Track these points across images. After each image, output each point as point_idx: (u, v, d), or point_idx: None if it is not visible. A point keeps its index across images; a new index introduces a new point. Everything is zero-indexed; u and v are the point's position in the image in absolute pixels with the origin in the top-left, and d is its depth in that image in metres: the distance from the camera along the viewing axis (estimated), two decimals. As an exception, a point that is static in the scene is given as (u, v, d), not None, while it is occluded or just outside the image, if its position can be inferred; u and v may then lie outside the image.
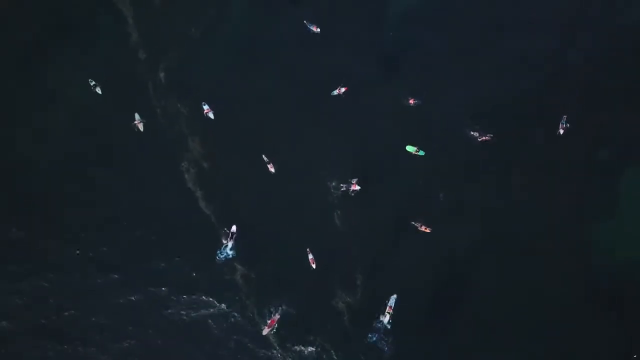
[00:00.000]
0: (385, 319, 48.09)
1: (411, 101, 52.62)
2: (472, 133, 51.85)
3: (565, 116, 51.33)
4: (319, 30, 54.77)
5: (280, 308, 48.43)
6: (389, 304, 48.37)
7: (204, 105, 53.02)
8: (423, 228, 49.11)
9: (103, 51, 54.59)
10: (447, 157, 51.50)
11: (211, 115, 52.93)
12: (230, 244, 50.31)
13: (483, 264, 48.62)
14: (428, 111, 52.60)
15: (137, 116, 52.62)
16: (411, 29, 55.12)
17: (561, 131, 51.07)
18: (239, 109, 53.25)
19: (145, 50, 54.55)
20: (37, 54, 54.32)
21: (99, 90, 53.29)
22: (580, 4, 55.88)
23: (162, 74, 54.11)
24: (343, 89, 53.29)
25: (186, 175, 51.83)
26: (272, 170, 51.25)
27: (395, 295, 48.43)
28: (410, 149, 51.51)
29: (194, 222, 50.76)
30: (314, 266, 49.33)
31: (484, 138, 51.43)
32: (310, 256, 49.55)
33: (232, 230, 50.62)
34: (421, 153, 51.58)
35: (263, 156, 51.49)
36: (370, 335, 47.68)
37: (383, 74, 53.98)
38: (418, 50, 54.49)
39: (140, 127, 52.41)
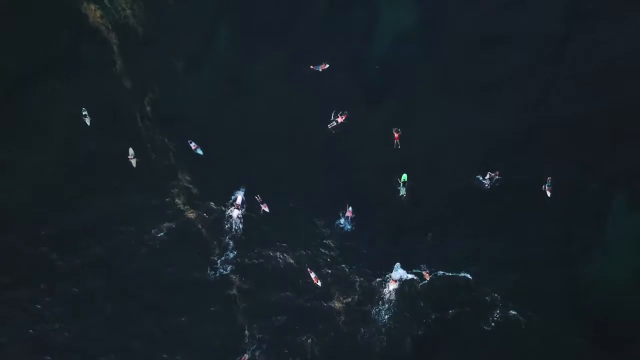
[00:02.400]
0: (391, 286, 51.46)
1: (396, 135, 53.82)
2: (478, 177, 53.23)
3: (549, 178, 52.50)
4: (327, 66, 55.15)
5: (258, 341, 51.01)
6: (392, 277, 51.53)
7: (191, 142, 54.17)
8: (425, 274, 52.00)
9: (89, 81, 54.40)
10: (437, 195, 53.88)
11: (200, 152, 54.13)
12: (236, 213, 52.50)
13: (478, 294, 52.14)
14: (417, 147, 54.48)
15: (131, 151, 53.35)
16: (398, 62, 56.08)
17: (548, 193, 52.20)
18: (228, 144, 54.47)
19: (131, 80, 54.66)
20: (21, 85, 54.01)
21: (87, 122, 53.58)
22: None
23: (148, 107, 54.64)
24: (342, 117, 54.39)
25: (177, 199, 53.69)
26: (266, 209, 53.35)
27: (398, 264, 51.66)
28: (404, 178, 53.14)
29: (186, 244, 53.04)
30: (318, 284, 52.14)
31: (492, 175, 52.86)
32: (313, 275, 52.25)
33: (237, 202, 52.72)
34: (402, 191, 53.33)
35: (256, 197, 53.38)
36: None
37: (372, 108, 55.45)
38: (406, 84, 55.63)
39: (134, 162, 53.30)
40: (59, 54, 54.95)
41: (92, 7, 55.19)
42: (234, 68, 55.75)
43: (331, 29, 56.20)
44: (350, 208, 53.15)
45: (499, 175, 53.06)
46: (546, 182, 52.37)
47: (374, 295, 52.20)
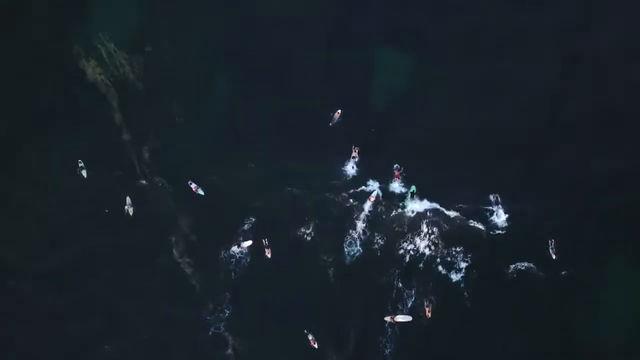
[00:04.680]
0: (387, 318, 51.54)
1: (397, 174, 54.02)
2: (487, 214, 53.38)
3: (552, 240, 52.48)
4: (340, 111, 55.11)
5: None
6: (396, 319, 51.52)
7: (191, 184, 54.29)
8: (427, 310, 51.65)
9: (87, 134, 54.98)
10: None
11: (201, 192, 54.18)
12: (237, 250, 52.59)
13: (473, 338, 51.87)
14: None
15: (128, 200, 53.40)
16: (395, 123, 55.97)
17: (553, 256, 52.43)
18: (229, 189, 54.51)
19: (129, 131, 55.23)
20: (19, 140, 54.54)
21: (84, 174, 53.77)
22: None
23: (147, 154, 55.00)
24: (355, 151, 54.47)
25: (174, 250, 53.53)
26: (269, 256, 53.02)
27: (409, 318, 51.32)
28: (413, 189, 53.34)
29: (182, 299, 52.75)
30: (315, 346, 51.55)
31: (494, 199, 53.21)
32: (310, 337, 51.65)
33: (243, 245, 52.79)
34: (407, 201, 53.37)
35: (264, 241, 53.29)
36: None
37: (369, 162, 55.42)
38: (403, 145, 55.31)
39: (130, 211, 53.20)
40: (58, 109, 55.56)
41: (92, 63, 56.31)
42: (234, 115, 56.16)
43: (328, 76, 56.75)
44: (375, 193, 53.34)
45: (498, 197, 53.33)
46: (550, 245, 52.55)
47: (370, 350, 51.72)
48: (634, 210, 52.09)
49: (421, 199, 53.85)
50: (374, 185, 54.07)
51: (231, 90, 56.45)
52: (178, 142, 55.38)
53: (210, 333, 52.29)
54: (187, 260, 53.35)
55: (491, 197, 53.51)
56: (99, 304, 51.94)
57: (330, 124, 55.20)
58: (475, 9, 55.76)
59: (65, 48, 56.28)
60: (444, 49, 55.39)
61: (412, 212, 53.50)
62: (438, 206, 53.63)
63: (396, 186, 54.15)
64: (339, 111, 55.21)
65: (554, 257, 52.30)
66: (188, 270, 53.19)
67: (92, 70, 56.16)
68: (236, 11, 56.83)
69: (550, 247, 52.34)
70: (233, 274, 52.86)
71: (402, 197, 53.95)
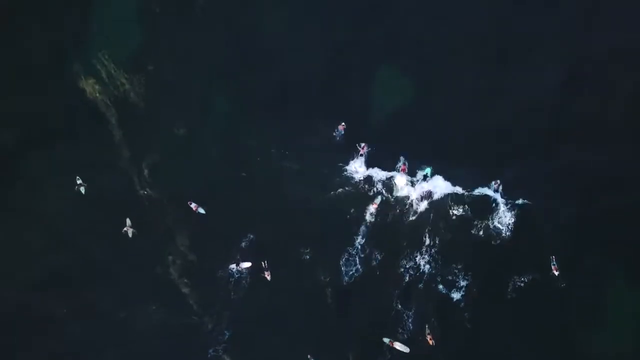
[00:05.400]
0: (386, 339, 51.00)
1: (403, 167, 54.07)
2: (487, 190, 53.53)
3: (553, 257, 52.34)
4: (343, 124, 54.86)
5: None
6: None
7: (191, 204, 53.74)
8: (429, 338, 51.08)
9: (86, 151, 54.46)
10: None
11: (201, 211, 53.54)
12: (236, 269, 52.13)
13: None
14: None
15: (127, 221, 52.64)
16: (398, 124, 55.94)
17: (555, 272, 52.30)
18: (229, 208, 54.14)
19: (129, 149, 54.74)
20: (17, 158, 54.25)
21: (82, 191, 53.14)
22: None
23: (146, 171, 54.55)
24: (363, 149, 54.35)
25: (172, 269, 52.91)
26: (268, 278, 52.37)
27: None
28: (427, 170, 53.45)
29: (179, 321, 52.11)
30: None
31: (496, 185, 53.32)
32: None
33: (242, 266, 52.22)
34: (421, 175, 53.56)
35: (263, 263, 52.64)
36: None
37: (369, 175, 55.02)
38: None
39: (130, 233, 52.45)
40: (57, 125, 55.17)
41: (91, 82, 56.02)
42: (234, 131, 55.98)
43: (329, 84, 56.64)
44: (378, 199, 53.10)
45: (500, 185, 53.28)
46: (551, 262, 52.38)
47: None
48: (634, 211, 52.27)
49: (428, 186, 53.71)
50: (377, 185, 53.84)
51: (232, 107, 56.38)
52: (178, 159, 55.05)
53: (209, 356, 51.49)
54: (185, 280, 52.59)
55: (492, 195, 53.48)
56: (97, 318, 51.62)
57: (337, 138, 55.07)
58: (475, 12, 56.46)
59: (65, 66, 56.03)
60: (444, 51, 55.96)
61: (415, 214, 53.31)
62: (441, 198, 53.26)
63: (402, 181, 53.78)
64: (343, 124, 55.00)
65: (556, 273, 52.09)
66: (186, 290, 52.43)
67: (91, 89, 55.84)
68: (236, 28, 57.25)
69: (552, 264, 52.22)
70: (232, 294, 52.19)
71: (406, 198, 53.72)
